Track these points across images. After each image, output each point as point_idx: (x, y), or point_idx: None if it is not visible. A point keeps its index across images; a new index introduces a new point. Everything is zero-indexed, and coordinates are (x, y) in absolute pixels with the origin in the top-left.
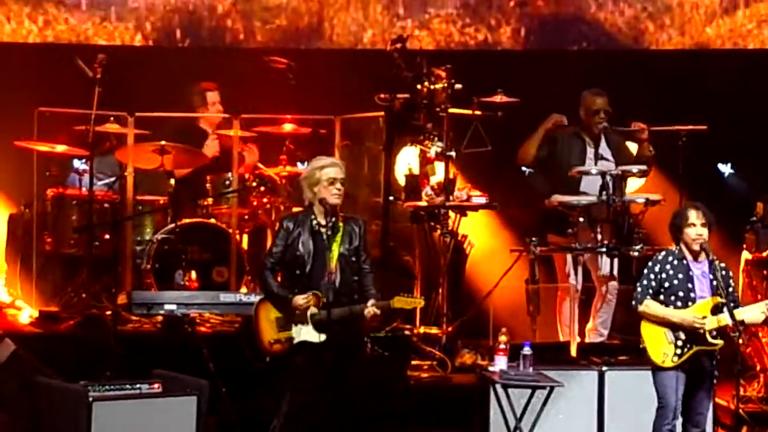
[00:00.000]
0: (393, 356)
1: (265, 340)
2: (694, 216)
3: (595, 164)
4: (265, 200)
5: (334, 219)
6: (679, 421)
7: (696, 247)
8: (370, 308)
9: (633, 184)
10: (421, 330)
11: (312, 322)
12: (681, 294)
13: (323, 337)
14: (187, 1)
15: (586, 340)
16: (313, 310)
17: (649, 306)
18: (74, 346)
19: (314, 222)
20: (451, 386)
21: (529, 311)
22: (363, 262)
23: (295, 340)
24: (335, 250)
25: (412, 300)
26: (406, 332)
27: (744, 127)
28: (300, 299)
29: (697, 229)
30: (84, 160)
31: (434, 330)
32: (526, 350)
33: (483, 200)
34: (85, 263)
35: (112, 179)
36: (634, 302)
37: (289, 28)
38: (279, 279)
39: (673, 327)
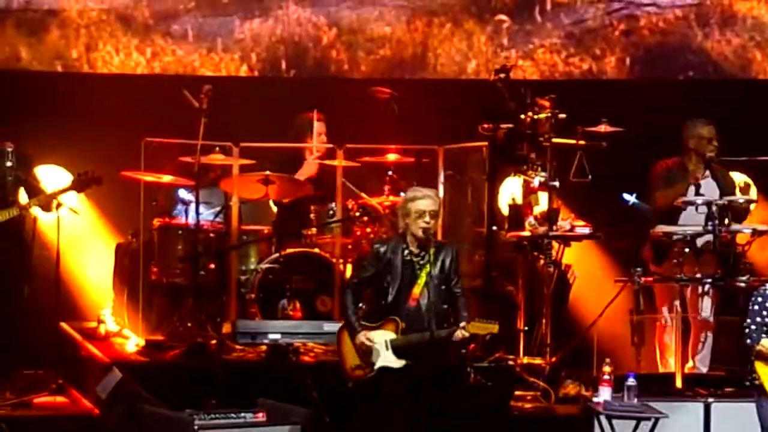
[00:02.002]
0: (496, 386)
1: (347, 366)
2: None
3: (699, 193)
4: (368, 230)
5: (425, 246)
6: None
7: None
8: (460, 331)
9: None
10: (525, 360)
11: (391, 348)
12: None
13: (402, 362)
14: (292, 32)
15: (693, 372)
16: (390, 335)
17: (765, 345)
18: (179, 375)
19: (406, 250)
20: (555, 417)
21: (633, 342)
22: (454, 287)
23: (376, 366)
24: (423, 276)
25: (488, 325)
26: (510, 362)
27: None
28: (362, 337)
29: None
30: (189, 190)
31: (538, 360)
32: (631, 381)
33: (586, 230)
34: (190, 292)
35: (218, 209)
36: (749, 341)
37: (393, 58)
38: (366, 302)
39: None
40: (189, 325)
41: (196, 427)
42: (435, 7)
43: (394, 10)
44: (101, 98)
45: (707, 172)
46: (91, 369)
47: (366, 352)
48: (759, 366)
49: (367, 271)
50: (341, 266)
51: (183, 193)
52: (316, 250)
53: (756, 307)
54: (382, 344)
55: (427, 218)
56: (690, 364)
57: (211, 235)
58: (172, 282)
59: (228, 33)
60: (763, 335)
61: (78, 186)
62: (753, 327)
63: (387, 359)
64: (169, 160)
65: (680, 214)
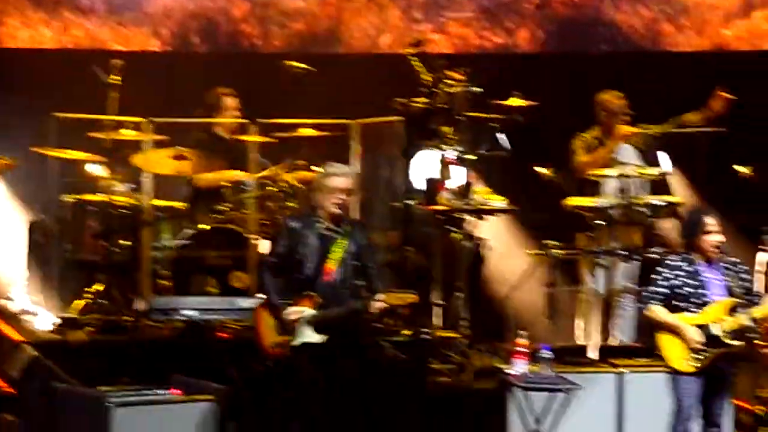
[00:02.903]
0: (412, 360)
1: (266, 344)
2: (712, 223)
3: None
4: (283, 205)
5: (338, 222)
6: (697, 423)
7: (713, 253)
8: (376, 301)
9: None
10: (440, 334)
11: (310, 324)
12: (695, 300)
13: (323, 337)
14: (204, 6)
15: (607, 343)
16: (309, 311)
17: (656, 311)
18: (93, 353)
19: (319, 225)
20: (471, 390)
21: (548, 314)
22: (368, 261)
23: (295, 343)
24: (337, 251)
25: (406, 296)
26: (425, 336)
27: (763, 127)
28: (290, 312)
29: (716, 235)
30: (101, 166)
31: (453, 334)
32: (546, 353)
33: (501, 204)
34: (104, 269)
35: (131, 185)
36: (641, 305)
37: (306, 32)
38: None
39: (677, 332)
40: (103, 302)
41: (110, 405)
42: None
43: None
44: (9, 73)
45: (624, 145)
46: (3, 347)
47: (289, 329)
48: (660, 336)
49: (281, 247)
50: (256, 242)
51: (94, 169)
52: (231, 225)
53: (656, 275)
54: (300, 320)
55: (340, 195)
56: (610, 337)
57: (124, 211)
58: (85, 259)
59: (138, 7)
60: (655, 302)
61: None
62: (647, 294)
63: (306, 335)
64: (80, 136)
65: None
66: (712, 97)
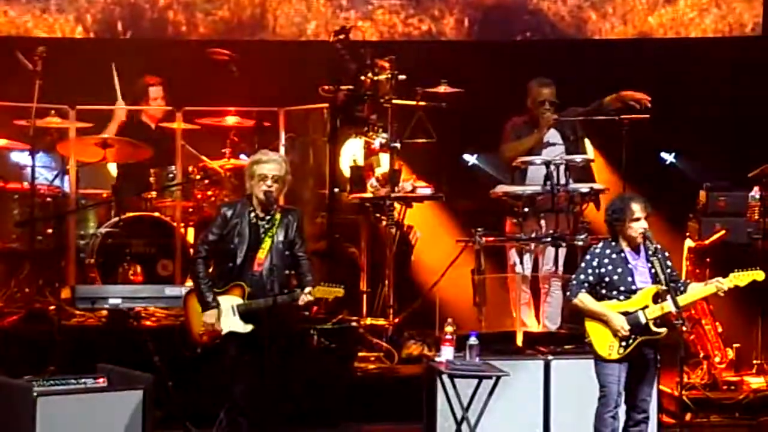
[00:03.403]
0: (339, 348)
1: (195, 332)
2: (638, 210)
3: (541, 153)
4: (209, 193)
5: (271, 211)
6: (622, 409)
7: (639, 240)
8: (305, 295)
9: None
10: (368, 321)
11: (237, 312)
12: (622, 287)
13: (249, 327)
14: None
15: (533, 330)
16: (237, 300)
17: (583, 300)
18: (18, 342)
19: (252, 213)
20: (398, 377)
21: (475, 302)
22: (298, 251)
23: (223, 332)
24: (268, 240)
25: (333, 290)
26: (353, 324)
27: (687, 115)
28: (208, 315)
29: (642, 222)
30: (26, 154)
31: (381, 321)
32: (473, 340)
33: (428, 191)
34: (27, 258)
35: (55, 173)
36: (568, 294)
37: (231, 19)
38: (211, 268)
39: (604, 321)
40: (27, 291)
41: (35, 394)
42: None
43: None
44: None
45: (550, 130)
46: None
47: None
48: (588, 322)
49: (214, 235)
50: (182, 230)
51: (18, 157)
52: (157, 213)
53: (583, 264)
54: (228, 309)
55: (269, 182)
56: (539, 321)
57: (48, 199)
58: (8, 247)
59: None
60: (583, 290)
61: None
62: (574, 282)
63: (233, 324)
64: (4, 123)
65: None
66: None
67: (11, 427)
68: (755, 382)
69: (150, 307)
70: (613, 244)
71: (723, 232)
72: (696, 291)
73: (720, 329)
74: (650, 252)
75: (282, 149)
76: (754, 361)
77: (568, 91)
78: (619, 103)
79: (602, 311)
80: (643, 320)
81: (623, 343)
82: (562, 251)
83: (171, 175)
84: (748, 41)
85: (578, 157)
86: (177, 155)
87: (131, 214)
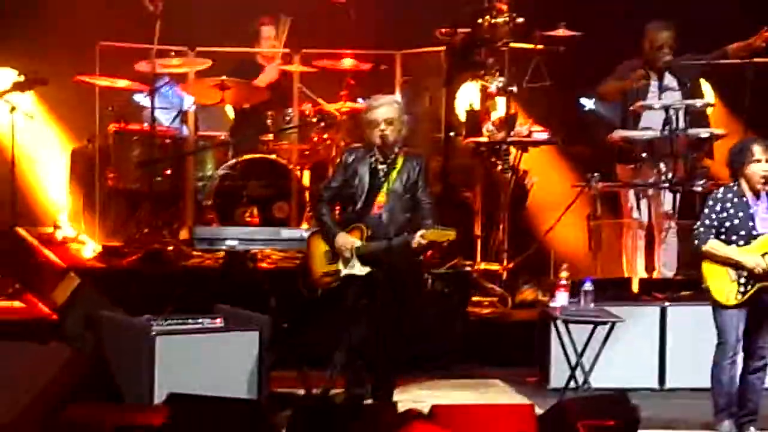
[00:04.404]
0: (453, 292)
1: (316, 274)
2: (759, 151)
3: (659, 98)
4: (325, 136)
5: (393, 155)
6: (740, 356)
7: (761, 185)
8: (418, 237)
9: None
10: (482, 266)
11: (356, 255)
12: (743, 232)
13: (367, 269)
14: None
15: (650, 276)
16: (357, 242)
17: (714, 246)
18: (137, 281)
19: (373, 158)
20: (512, 322)
21: (590, 247)
22: (421, 195)
23: (342, 273)
24: (388, 185)
25: (446, 232)
26: (467, 268)
27: None
28: (340, 239)
29: (763, 164)
30: (146, 95)
31: (495, 266)
32: (588, 286)
33: (544, 135)
34: (147, 198)
35: (174, 113)
36: (696, 242)
37: None
38: (336, 211)
39: (737, 266)
40: (146, 231)
41: (153, 333)
42: None
43: None
44: (54, 3)
45: (667, 75)
46: (48, 274)
47: (339, 258)
48: (705, 267)
49: (336, 180)
50: (298, 172)
51: (139, 98)
52: (273, 156)
53: (707, 210)
54: (350, 248)
55: (383, 125)
56: (655, 268)
57: (168, 140)
58: (128, 188)
59: None
60: (712, 236)
61: (21, 86)
62: (701, 229)
63: (352, 266)
64: (125, 64)
65: (640, 117)
66: (758, 35)
67: (131, 365)
68: None
69: (266, 249)
70: (735, 188)
71: None
72: None
73: None
74: None
75: (398, 93)
76: None
77: (689, 36)
78: (745, 53)
79: (734, 254)
80: (763, 266)
81: (742, 289)
82: (677, 197)
83: (287, 118)
84: None
85: (698, 102)
86: (294, 98)
87: (248, 156)
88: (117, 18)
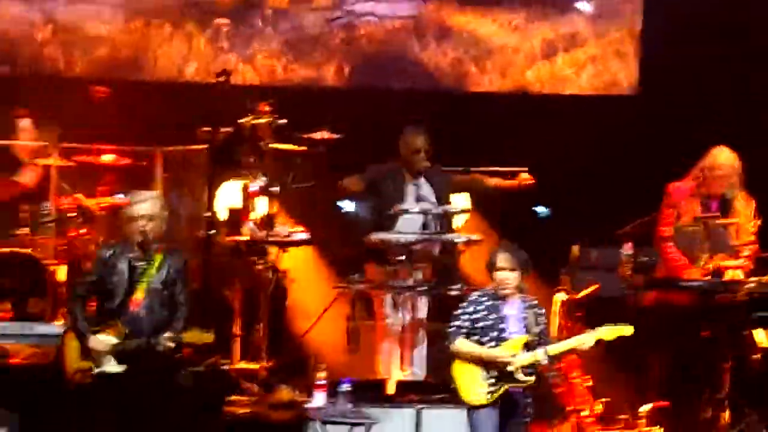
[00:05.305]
0: (210, 391)
1: (69, 369)
2: (501, 260)
3: (414, 202)
4: (83, 231)
5: (152, 252)
6: None
7: (504, 291)
8: (166, 342)
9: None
10: (241, 365)
11: (112, 352)
12: (494, 334)
13: (123, 368)
14: (5, 28)
15: (405, 378)
16: (112, 340)
17: (462, 344)
18: None
19: (131, 254)
20: (270, 422)
21: (348, 348)
22: (178, 295)
23: (97, 371)
24: (146, 281)
25: (203, 335)
26: (225, 367)
27: (562, 170)
28: (92, 341)
29: (504, 273)
30: None
31: (254, 365)
32: (345, 387)
33: (304, 236)
34: None
35: None
36: (446, 342)
37: (110, 58)
38: (93, 306)
39: (485, 365)
40: None
41: None
42: (153, 7)
43: (111, 9)
44: None
45: (421, 179)
46: None
47: (93, 357)
48: (455, 366)
49: (92, 276)
50: (54, 268)
51: None
52: (29, 250)
53: (460, 310)
54: (103, 349)
55: (143, 222)
56: (407, 370)
57: None
58: None
59: None
60: (460, 335)
61: None
62: (453, 329)
63: (108, 364)
64: None
65: (398, 220)
66: (517, 178)
67: None
68: None
69: (18, 344)
70: (490, 291)
71: (596, 286)
72: (564, 344)
73: (590, 383)
74: (524, 304)
75: (158, 189)
76: (621, 416)
77: (448, 143)
78: (500, 191)
79: (482, 352)
80: (511, 369)
81: (491, 389)
82: (428, 301)
83: (44, 211)
84: (623, 100)
85: (457, 207)
86: (51, 191)
87: (2, 250)
88: None
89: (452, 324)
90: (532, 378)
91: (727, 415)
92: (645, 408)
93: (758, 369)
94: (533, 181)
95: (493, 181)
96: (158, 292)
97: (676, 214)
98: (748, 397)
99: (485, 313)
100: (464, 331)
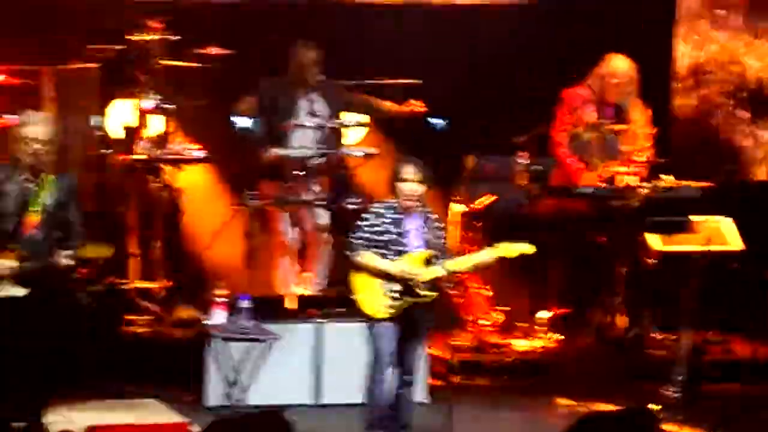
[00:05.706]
0: (107, 310)
1: None
2: (408, 172)
3: (308, 117)
4: None
5: (43, 173)
6: (392, 371)
7: (408, 203)
8: (63, 258)
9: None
10: (138, 284)
11: (12, 277)
12: (395, 247)
13: (24, 291)
14: None
15: (305, 293)
16: (11, 264)
17: (364, 257)
18: None
19: (22, 176)
20: (169, 341)
21: (247, 265)
22: (72, 215)
23: None
24: (39, 203)
25: (101, 249)
26: (122, 286)
27: (457, 82)
28: None
29: (409, 185)
30: None
31: (151, 284)
32: (244, 303)
33: (200, 153)
34: None
35: None
36: (349, 252)
37: None
38: None
39: (387, 278)
40: None
41: None
42: None
43: None
44: None
45: (314, 94)
46: None
47: None
48: (355, 279)
49: None
50: None
51: None
52: None
53: (361, 221)
54: (2, 273)
55: (36, 144)
56: (307, 280)
57: None
58: None
59: None
60: (362, 247)
61: None
62: (354, 240)
63: (8, 289)
64: None
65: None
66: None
67: None
68: (522, 345)
69: None
70: (392, 204)
71: (494, 197)
72: (464, 260)
73: (489, 293)
74: (425, 218)
75: (49, 109)
76: (519, 324)
77: (339, 57)
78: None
79: (385, 265)
80: (411, 283)
81: (392, 303)
82: (329, 213)
83: None
84: (517, 8)
85: (352, 120)
86: None
87: None
88: None
89: (355, 234)
90: (435, 293)
91: (624, 318)
92: (544, 315)
93: (652, 272)
94: (425, 109)
95: (387, 105)
96: (52, 214)
97: (571, 120)
98: (642, 300)
99: (388, 226)
100: (366, 243)
